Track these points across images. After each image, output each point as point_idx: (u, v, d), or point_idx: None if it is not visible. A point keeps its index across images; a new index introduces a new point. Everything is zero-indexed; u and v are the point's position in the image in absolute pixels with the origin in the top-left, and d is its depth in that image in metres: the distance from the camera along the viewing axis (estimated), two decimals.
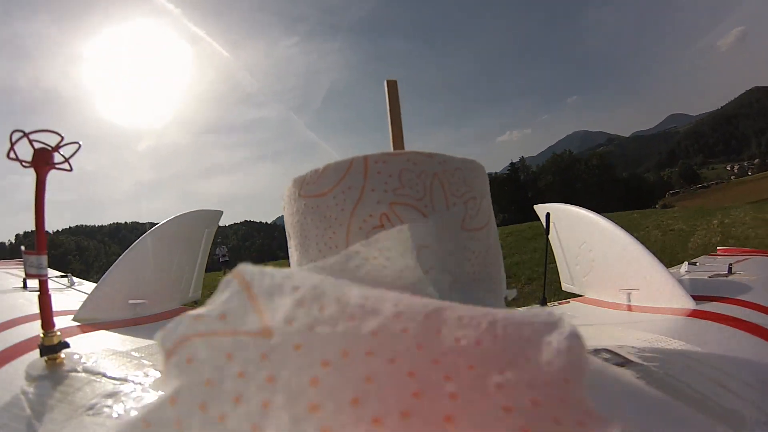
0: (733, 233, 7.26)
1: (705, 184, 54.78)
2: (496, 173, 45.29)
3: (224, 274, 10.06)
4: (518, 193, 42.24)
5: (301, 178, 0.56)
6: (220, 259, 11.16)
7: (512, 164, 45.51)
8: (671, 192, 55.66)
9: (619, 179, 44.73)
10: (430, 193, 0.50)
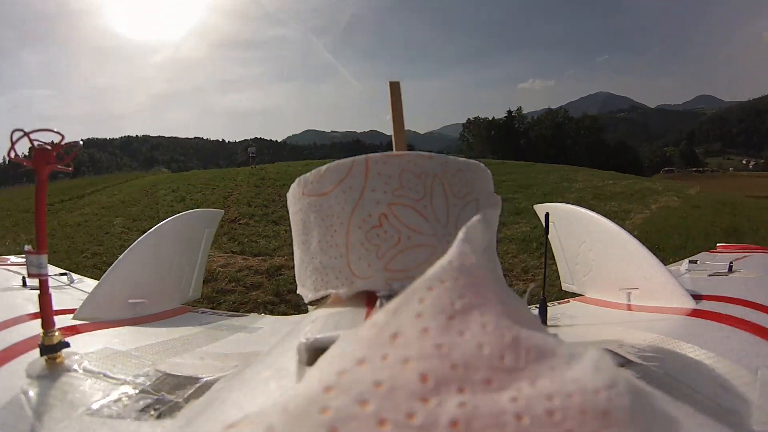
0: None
1: (700, 169, 54.74)
2: (493, 117, 46.61)
3: (252, 168, 12.53)
4: (512, 139, 43.79)
5: (304, 178, 0.57)
6: (251, 155, 14.43)
7: (509, 112, 46.69)
8: (666, 169, 54.77)
9: (610, 145, 45.43)
10: (430, 194, 0.50)
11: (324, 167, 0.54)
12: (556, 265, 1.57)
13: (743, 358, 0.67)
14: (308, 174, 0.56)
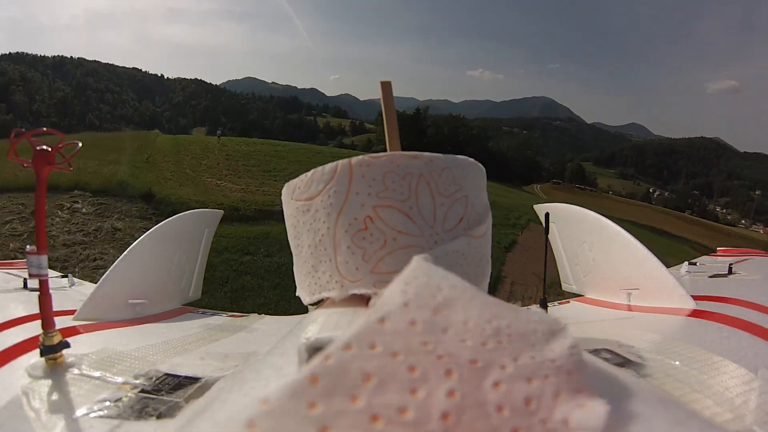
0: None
1: (582, 186, 59.07)
2: (404, 111, 49.96)
3: (218, 141, 16.85)
4: (416, 136, 46.41)
5: (292, 183, 0.57)
6: (218, 135, 19.21)
7: (418, 109, 50.34)
8: (554, 181, 59.56)
9: (494, 152, 50.99)
10: (415, 195, 0.50)
11: (310, 172, 0.54)
12: (557, 266, 1.57)
13: (743, 358, 0.67)
14: (296, 179, 0.57)
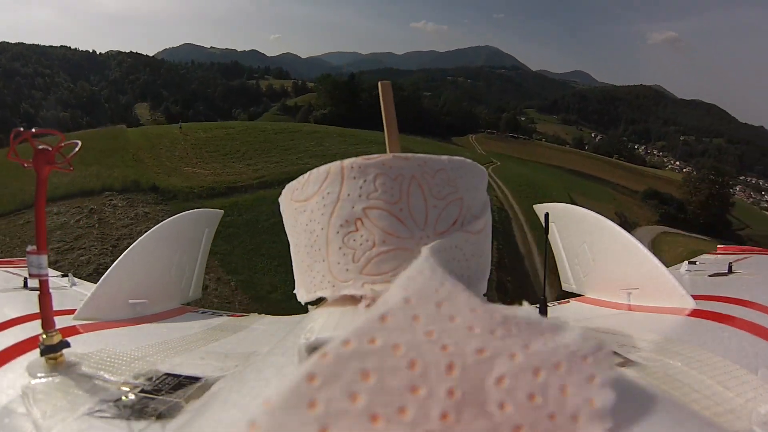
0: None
1: (515, 135, 57.51)
2: (339, 79, 51.17)
3: (180, 130, 19.58)
4: (352, 102, 46.21)
5: (291, 185, 0.58)
6: (180, 125, 21.32)
7: (352, 75, 52.31)
8: (489, 131, 57.93)
9: (428, 107, 51.76)
10: (406, 197, 0.50)
11: (307, 174, 0.56)
12: (557, 265, 1.57)
13: (743, 358, 0.67)
14: (294, 181, 0.58)
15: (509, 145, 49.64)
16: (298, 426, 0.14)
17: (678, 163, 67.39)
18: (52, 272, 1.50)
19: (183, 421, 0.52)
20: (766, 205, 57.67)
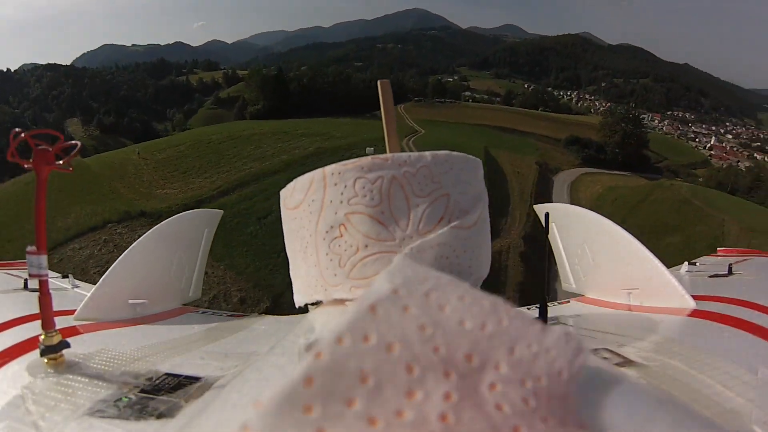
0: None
1: (441, 100, 55.39)
2: (267, 69, 51.90)
3: (138, 155, 21.48)
4: (282, 93, 47.26)
5: (283, 192, 0.59)
6: (138, 153, 23.14)
7: (280, 69, 53.45)
8: (416, 99, 55.50)
9: (354, 87, 50.60)
10: (387, 199, 0.50)
11: (294, 182, 0.57)
12: (557, 265, 1.57)
13: (743, 358, 0.67)
14: (285, 189, 0.59)
15: (437, 110, 50.50)
16: (294, 431, 0.14)
17: (609, 104, 70.87)
18: (52, 273, 1.50)
19: (183, 421, 0.52)
20: (692, 135, 62.49)
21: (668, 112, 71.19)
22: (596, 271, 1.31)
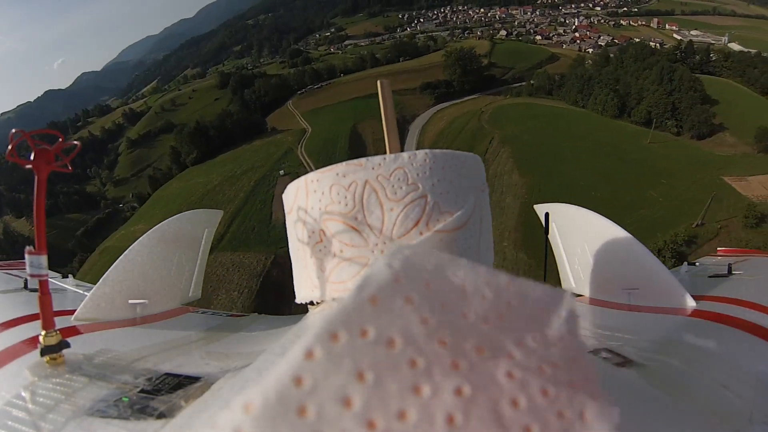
0: None
1: (318, 85, 51.79)
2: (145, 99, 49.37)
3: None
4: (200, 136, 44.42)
5: (283, 196, 0.61)
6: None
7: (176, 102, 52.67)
8: (300, 92, 51.81)
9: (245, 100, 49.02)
10: (361, 204, 0.50)
11: (287, 187, 0.59)
12: (557, 265, 1.56)
13: (743, 358, 0.67)
14: (284, 193, 0.61)
15: (316, 96, 49.87)
16: None
17: (482, 9, 72.69)
18: (52, 273, 1.50)
19: (183, 421, 0.52)
20: (562, 19, 63.85)
21: (538, 1, 72.29)
22: (596, 271, 1.31)
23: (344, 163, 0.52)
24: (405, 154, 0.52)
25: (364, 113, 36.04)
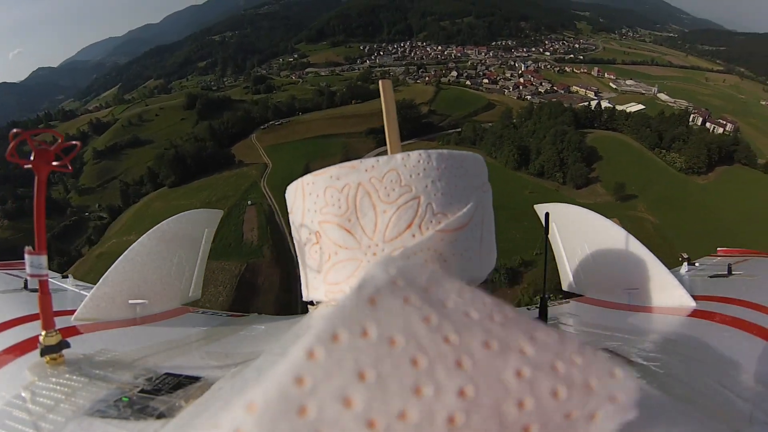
0: None
1: (278, 122, 51.92)
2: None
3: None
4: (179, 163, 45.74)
5: (286, 196, 0.62)
6: None
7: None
8: (262, 127, 52.12)
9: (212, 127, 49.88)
10: (354, 207, 0.51)
11: (287, 189, 0.60)
12: (557, 265, 1.56)
13: (743, 358, 0.67)
14: (286, 194, 0.62)
15: (277, 132, 51.75)
16: None
17: (439, 47, 78.03)
18: (52, 273, 1.50)
19: (183, 421, 0.52)
20: (512, 62, 68.86)
21: (493, 43, 76.45)
22: (596, 271, 1.31)
23: (338, 165, 0.52)
24: (398, 156, 0.52)
25: (315, 153, 39.62)
